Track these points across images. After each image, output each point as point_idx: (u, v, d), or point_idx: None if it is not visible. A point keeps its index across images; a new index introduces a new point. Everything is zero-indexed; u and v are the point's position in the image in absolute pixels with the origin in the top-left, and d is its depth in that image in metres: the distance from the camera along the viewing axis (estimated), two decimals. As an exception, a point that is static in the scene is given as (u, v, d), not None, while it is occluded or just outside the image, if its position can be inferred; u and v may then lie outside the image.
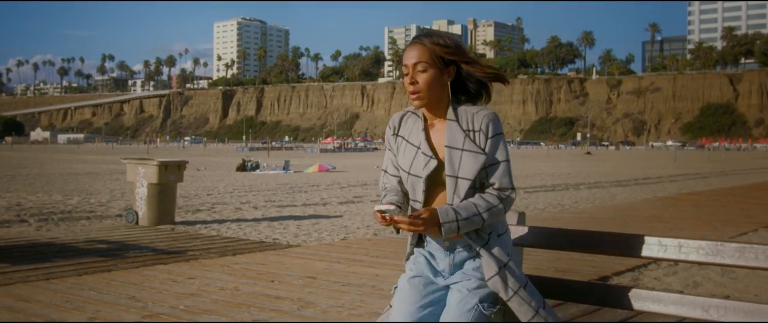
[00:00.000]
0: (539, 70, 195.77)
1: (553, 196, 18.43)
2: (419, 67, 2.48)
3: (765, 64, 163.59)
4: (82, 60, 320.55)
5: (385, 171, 2.68)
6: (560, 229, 2.84)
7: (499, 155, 2.48)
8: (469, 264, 2.51)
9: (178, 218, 12.13)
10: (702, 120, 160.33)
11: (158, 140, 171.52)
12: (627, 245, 2.68)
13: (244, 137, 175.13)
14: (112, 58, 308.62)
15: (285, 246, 8.81)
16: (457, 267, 2.53)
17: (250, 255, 7.86)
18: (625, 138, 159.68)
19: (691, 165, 46.84)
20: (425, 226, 2.37)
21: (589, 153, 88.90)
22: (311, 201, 16.50)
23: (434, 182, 2.51)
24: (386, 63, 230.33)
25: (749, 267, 2.44)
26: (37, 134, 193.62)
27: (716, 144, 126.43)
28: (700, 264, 2.57)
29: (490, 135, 2.47)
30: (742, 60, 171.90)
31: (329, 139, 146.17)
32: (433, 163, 2.49)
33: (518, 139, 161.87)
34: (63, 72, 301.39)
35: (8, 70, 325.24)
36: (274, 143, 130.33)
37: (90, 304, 5.33)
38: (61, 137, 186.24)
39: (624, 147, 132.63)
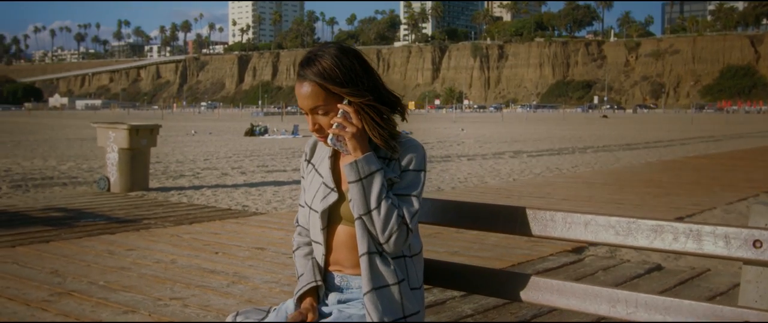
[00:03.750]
0: (556, 32, 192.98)
1: (556, 160, 17.84)
2: (319, 111, 1.98)
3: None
4: (98, 26, 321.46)
5: (298, 223, 2.23)
6: (452, 201, 2.32)
7: (411, 189, 1.99)
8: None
9: (156, 184, 11.74)
10: (722, 83, 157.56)
11: (175, 105, 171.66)
12: (524, 222, 2.16)
13: (259, 102, 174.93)
14: (128, 23, 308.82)
15: (250, 213, 8.36)
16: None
17: (207, 223, 7.42)
18: (644, 101, 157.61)
19: (707, 128, 45.87)
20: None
21: (605, 117, 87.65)
22: (304, 166, 16.03)
23: (335, 219, 2.06)
24: (402, 27, 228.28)
25: (665, 250, 1.93)
26: (56, 100, 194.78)
27: (736, 107, 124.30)
28: (612, 245, 2.06)
29: (404, 167, 2.00)
30: (764, 21, 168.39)
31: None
32: (333, 196, 2.05)
33: (535, 102, 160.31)
34: (80, 38, 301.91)
35: (26, 36, 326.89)
36: (289, 108, 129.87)
37: (2, 280, 4.90)
38: (79, 103, 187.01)
39: (641, 110, 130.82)
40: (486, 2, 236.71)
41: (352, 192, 1.93)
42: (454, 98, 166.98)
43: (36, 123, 56.00)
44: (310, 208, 2.09)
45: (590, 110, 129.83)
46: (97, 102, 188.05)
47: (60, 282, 4.86)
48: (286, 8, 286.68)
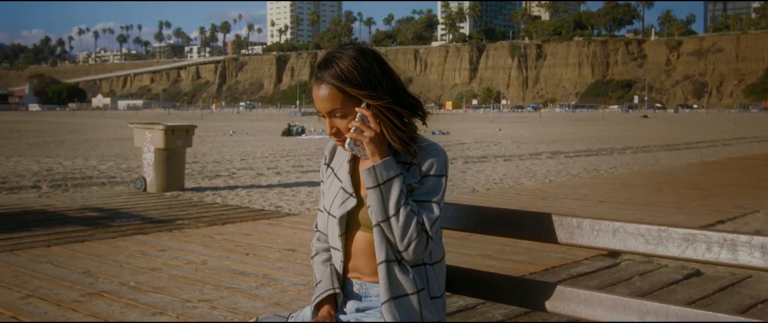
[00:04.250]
0: (595, 31, 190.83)
1: (594, 161, 17.58)
2: (337, 114, 1.93)
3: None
4: (139, 27, 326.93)
5: (317, 228, 2.18)
6: (476, 207, 2.26)
7: (432, 195, 1.92)
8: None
9: (192, 184, 11.84)
10: (767, 82, 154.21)
11: (214, 105, 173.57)
12: (550, 229, 2.09)
13: (297, 102, 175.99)
14: (168, 25, 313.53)
15: (282, 214, 8.36)
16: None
17: (239, 224, 7.43)
18: (685, 101, 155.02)
19: (751, 129, 44.89)
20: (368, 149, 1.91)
21: (646, 117, 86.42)
22: (339, 167, 16.05)
23: (353, 225, 2.00)
24: (439, 26, 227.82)
25: (697, 260, 1.84)
26: (99, 100, 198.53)
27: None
28: (641, 254, 1.97)
29: (425, 172, 1.93)
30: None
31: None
32: (352, 202, 1.99)
33: (574, 102, 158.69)
34: (122, 39, 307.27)
35: (70, 38, 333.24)
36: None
37: (36, 279, 4.95)
38: (121, 104, 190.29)
39: (683, 110, 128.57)
40: (524, 1, 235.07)
41: (370, 198, 1.89)
42: (491, 97, 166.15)
43: (79, 123, 57.11)
44: (329, 213, 2.04)
45: (630, 110, 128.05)
46: (139, 102, 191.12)
47: (92, 282, 4.89)
48: (324, 8, 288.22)
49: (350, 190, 1.99)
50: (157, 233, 6.82)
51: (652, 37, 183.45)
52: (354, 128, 1.89)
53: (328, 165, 2.12)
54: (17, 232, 6.77)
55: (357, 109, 1.91)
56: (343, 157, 2.08)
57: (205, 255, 5.80)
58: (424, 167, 1.94)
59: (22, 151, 21.45)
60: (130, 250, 6.00)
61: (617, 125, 54.85)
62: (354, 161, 2.03)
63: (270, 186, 11.80)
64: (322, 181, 2.14)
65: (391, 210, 1.86)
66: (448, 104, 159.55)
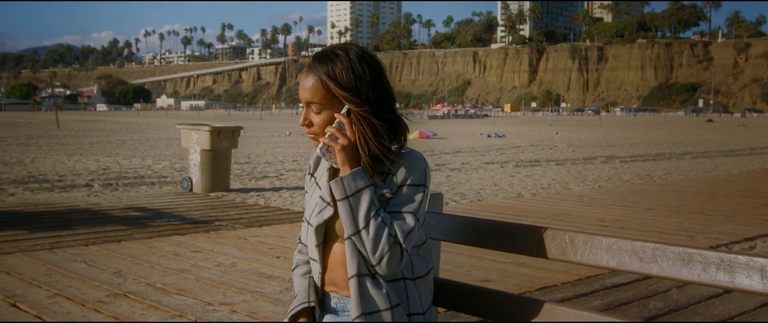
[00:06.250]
0: (659, 33, 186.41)
1: (649, 166, 17.11)
2: (313, 108, 1.88)
3: None
4: (203, 29, 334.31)
5: (300, 240, 2.14)
6: (470, 218, 2.15)
7: (407, 206, 1.84)
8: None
9: (238, 185, 11.94)
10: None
11: (274, 106, 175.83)
12: (541, 244, 1.97)
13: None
14: (231, 27, 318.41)
15: (321, 217, 8.33)
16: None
17: (276, 226, 7.43)
18: (753, 105, 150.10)
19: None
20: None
21: (711, 121, 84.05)
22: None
23: (331, 236, 1.94)
24: (499, 28, 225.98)
25: (693, 282, 1.70)
26: (163, 100, 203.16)
27: None
28: (634, 273, 1.84)
29: (400, 182, 1.85)
30: None
31: (439, 105, 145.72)
32: (328, 211, 1.92)
33: (635, 105, 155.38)
34: (186, 41, 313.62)
35: (137, 40, 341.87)
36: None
37: (67, 279, 5.01)
38: (184, 104, 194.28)
39: (750, 114, 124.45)
40: (586, 3, 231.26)
41: (341, 211, 1.82)
42: (551, 100, 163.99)
43: (143, 123, 58.62)
44: (308, 223, 1.98)
45: (695, 114, 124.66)
46: (201, 103, 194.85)
47: (120, 282, 4.93)
48: (383, 10, 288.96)
49: (328, 199, 1.92)
50: (193, 235, 6.86)
51: (719, 39, 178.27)
52: (329, 133, 1.83)
53: (312, 175, 2.06)
54: (59, 230, 6.90)
55: (336, 114, 1.84)
56: (325, 166, 2.01)
57: (236, 258, 5.80)
58: (400, 177, 1.85)
59: (85, 150, 22.05)
60: (163, 251, 6.05)
61: (679, 129, 53.45)
62: (334, 171, 1.97)
63: (315, 188, 11.81)
64: (306, 191, 2.08)
65: (361, 223, 1.78)
66: (507, 107, 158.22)
